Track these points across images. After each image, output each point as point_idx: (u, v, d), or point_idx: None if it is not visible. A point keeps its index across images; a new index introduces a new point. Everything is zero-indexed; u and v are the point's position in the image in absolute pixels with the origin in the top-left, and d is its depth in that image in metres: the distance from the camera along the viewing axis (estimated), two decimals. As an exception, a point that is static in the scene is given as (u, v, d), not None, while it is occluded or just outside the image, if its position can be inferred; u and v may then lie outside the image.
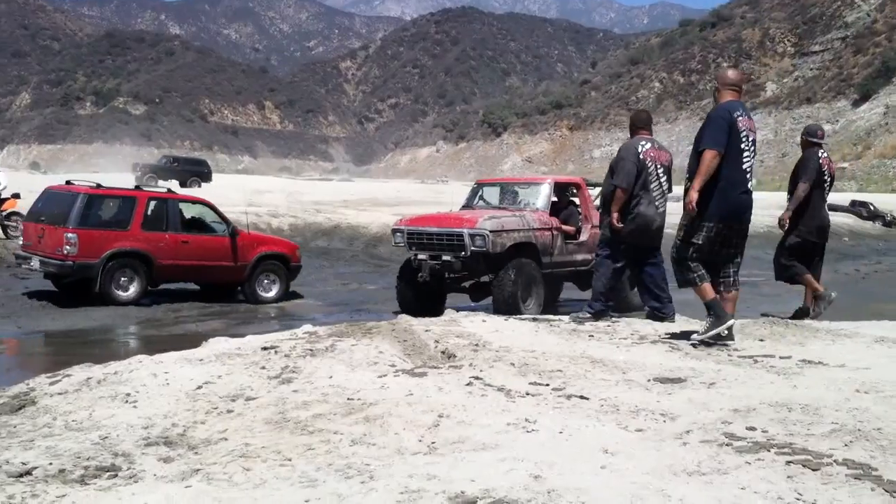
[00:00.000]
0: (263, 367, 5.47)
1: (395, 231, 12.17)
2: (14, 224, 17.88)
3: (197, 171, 41.77)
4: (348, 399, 4.70)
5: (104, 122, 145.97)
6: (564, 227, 11.83)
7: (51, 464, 3.65)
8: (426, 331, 6.82)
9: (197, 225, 13.81)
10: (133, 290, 12.57)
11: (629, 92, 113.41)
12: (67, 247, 12.01)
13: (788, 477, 3.45)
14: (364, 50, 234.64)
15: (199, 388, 4.97)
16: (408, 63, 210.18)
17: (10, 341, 10.42)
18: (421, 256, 11.44)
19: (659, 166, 8.13)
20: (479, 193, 12.93)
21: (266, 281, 13.92)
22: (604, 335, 6.98)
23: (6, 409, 4.78)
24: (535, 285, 11.07)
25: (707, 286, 6.55)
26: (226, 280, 13.87)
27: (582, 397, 4.79)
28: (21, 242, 13.61)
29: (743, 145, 6.49)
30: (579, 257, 12.00)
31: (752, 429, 4.18)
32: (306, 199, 34.36)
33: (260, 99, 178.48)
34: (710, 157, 6.42)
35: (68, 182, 13.74)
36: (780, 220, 8.99)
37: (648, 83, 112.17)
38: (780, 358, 6.14)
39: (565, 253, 11.86)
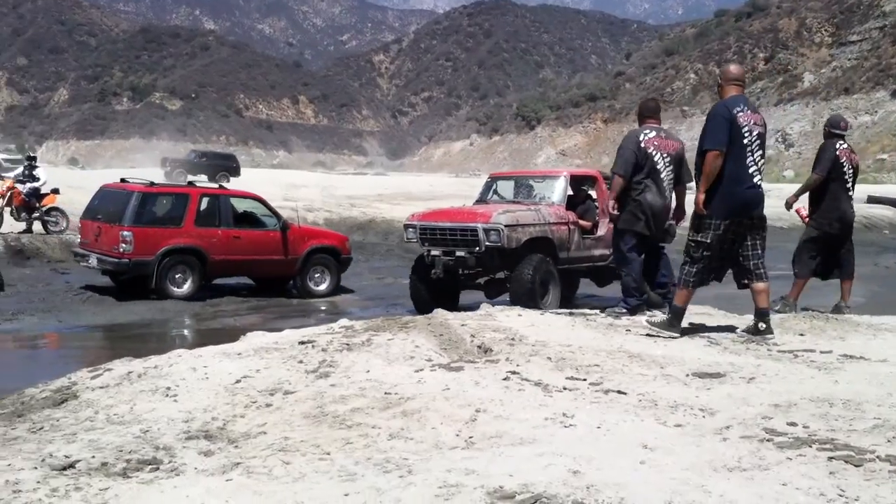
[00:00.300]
0: (301, 362, 5.51)
1: (407, 227, 11.86)
2: (54, 219, 18.12)
3: (225, 166, 41.68)
4: (385, 393, 4.72)
5: (141, 117, 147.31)
6: (581, 222, 11.52)
7: (93, 457, 3.70)
8: (462, 325, 6.82)
9: (248, 220, 13.91)
10: (188, 285, 12.73)
11: (664, 83, 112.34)
12: (123, 245, 12.20)
13: (830, 473, 3.42)
14: (397, 43, 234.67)
15: (238, 382, 5.02)
16: (441, 56, 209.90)
17: (51, 335, 10.58)
18: (434, 252, 11.20)
19: (665, 155, 8.01)
20: (493, 187, 12.60)
21: (317, 274, 13.91)
22: (641, 330, 6.94)
23: (49, 403, 4.85)
24: (552, 281, 10.83)
25: (686, 293, 6.61)
26: (277, 274, 13.97)
27: (620, 392, 4.78)
28: (78, 240, 13.85)
29: (746, 140, 6.43)
30: (597, 252, 11.67)
31: (793, 424, 4.14)
32: (340, 193, 34.48)
33: (294, 93, 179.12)
34: (711, 158, 6.43)
35: (123, 180, 13.98)
36: (787, 200, 9.28)
37: (683, 74, 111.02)
38: (821, 353, 6.08)
39: (582, 248, 11.55)
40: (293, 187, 34.06)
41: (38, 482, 3.35)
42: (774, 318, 7.02)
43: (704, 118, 6.76)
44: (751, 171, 6.47)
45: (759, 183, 6.54)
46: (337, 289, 14.13)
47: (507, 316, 7.58)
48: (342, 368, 5.31)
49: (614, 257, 8.82)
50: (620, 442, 3.86)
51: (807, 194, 9.09)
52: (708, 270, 6.61)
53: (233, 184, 32.91)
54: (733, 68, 6.97)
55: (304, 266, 13.73)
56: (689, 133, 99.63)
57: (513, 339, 6.36)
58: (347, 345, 5.96)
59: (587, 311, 7.82)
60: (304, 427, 4.16)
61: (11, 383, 6.64)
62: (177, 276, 12.64)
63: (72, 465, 3.58)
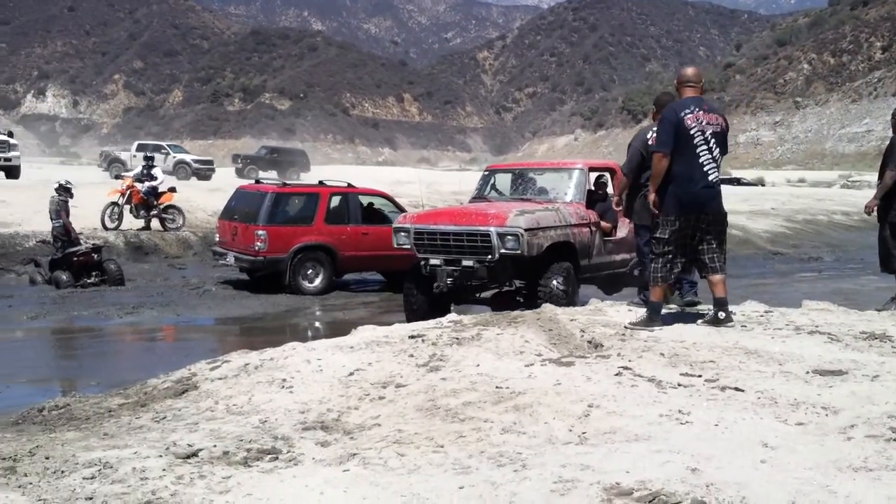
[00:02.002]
0: (412, 355, 5.55)
1: (397, 230, 10.06)
2: (171, 217, 18.72)
3: (296, 162, 43.18)
4: (496, 387, 4.71)
5: (251, 117, 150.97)
6: (602, 223, 10.15)
7: (215, 446, 3.81)
8: (571, 320, 6.76)
9: (376, 216, 14.35)
10: (319, 281, 13.25)
11: (776, 74, 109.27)
12: (258, 243, 12.77)
13: (964, 475, 3.26)
14: (501, 40, 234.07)
15: (351, 374, 5.09)
16: (545, 51, 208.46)
17: (169, 328, 10.95)
18: (434, 262, 9.53)
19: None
20: (492, 182, 11.11)
21: None
22: (756, 325, 6.75)
23: (171, 393, 5.02)
24: (576, 295, 9.46)
25: (659, 290, 6.65)
26: (404, 268, 14.23)
27: (737, 389, 4.66)
28: (217, 239, 14.43)
29: (696, 141, 6.47)
30: (618, 258, 10.33)
31: (922, 424, 3.97)
32: (445, 189, 34.56)
33: (399, 91, 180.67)
34: (656, 160, 6.59)
35: (257, 181, 14.63)
36: (867, 206, 8.77)
37: (796, 65, 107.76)
38: (950, 350, 5.81)
39: (604, 253, 10.16)
40: (398, 184, 34.36)
41: (164, 470, 3.47)
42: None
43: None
44: (705, 169, 6.51)
45: (713, 181, 6.56)
46: None
47: (617, 311, 7.49)
48: (452, 362, 5.33)
49: (638, 252, 8.35)
50: (739, 440, 3.76)
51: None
52: (672, 265, 6.65)
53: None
54: (688, 70, 6.98)
55: None
56: (802, 125, 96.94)
57: (623, 334, 6.28)
58: (457, 339, 5.97)
59: (700, 307, 7.63)
60: (417, 420, 4.19)
61: (134, 374, 6.92)
62: (308, 273, 13.20)
63: (195, 454, 3.69)
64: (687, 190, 6.49)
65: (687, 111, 6.52)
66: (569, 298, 9.07)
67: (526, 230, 9.06)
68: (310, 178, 36.93)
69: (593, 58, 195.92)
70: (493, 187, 10.98)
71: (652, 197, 6.66)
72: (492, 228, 9.16)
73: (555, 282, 9.20)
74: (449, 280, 9.38)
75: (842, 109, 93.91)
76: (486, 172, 11.44)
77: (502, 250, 9.10)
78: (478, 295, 10.09)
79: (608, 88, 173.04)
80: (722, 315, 6.68)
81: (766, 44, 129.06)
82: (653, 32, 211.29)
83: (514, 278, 9.64)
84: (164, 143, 42.05)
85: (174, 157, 38.10)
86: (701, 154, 6.48)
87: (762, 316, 7.26)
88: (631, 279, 10.00)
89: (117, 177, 20.21)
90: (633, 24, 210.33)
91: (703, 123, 6.51)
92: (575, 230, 9.72)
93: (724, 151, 6.65)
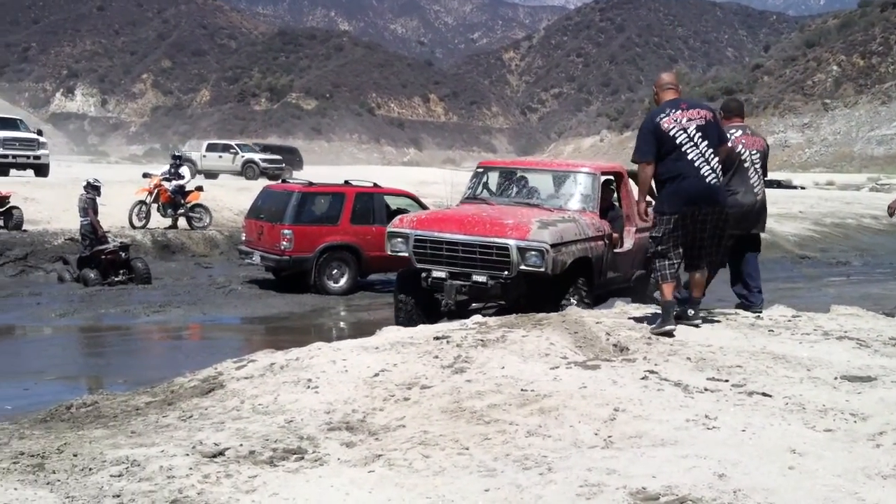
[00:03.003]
0: (436, 357, 5.54)
1: (392, 235, 8.97)
2: (198, 215, 18.82)
3: (288, 160, 40.63)
4: (522, 390, 4.70)
5: (278, 116, 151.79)
6: (613, 235, 9.27)
7: (241, 445, 3.83)
8: (597, 323, 6.73)
9: None
10: (344, 281, 13.30)
11: (804, 76, 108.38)
12: (284, 242, 12.83)
13: None
14: (527, 40, 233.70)
15: (376, 375, 5.09)
16: (572, 52, 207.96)
17: (196, 326, 11.02)
18: (438, 275, 8.44)
19: (754, 151, 7.64)
20: (485, 181, 10.06)
21: None
22: (784, 330, 6.69)
23: (197, 392, 5.04)
24: None
25: (668, 286, 6.59)
26: None
27: (764, 394, 4.62)
28: (243, 238, 14.52)
29: (679, 140, 6.51)
30: (626, 273, 9.62)
31: (953, 432, 3.92)
32: (471, 190, 34.60)
33: (425, 92, 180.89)
34: (640, 169, 6.74)
35: (284, 181, 14.65)
36: (890, 206, 8.57)
37: (825, 66, 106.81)
38: (982, 357, 5.73)
39: (614, 269, 9.33)
40: (423, 184, 34.36)
41: (191, 468, 3.49)
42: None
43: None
44: (695, 165, 6.51)
45: (706, 174, 6.53)
46: None
47: (644, 314, 7.44)
48: (477, 364, 5.32)
49: None
50: (767, 446, 3.73)
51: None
52: (673, 263, 6.65)
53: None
54: (664, 75, 7.09)
55: None
56: (831, 126, 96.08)
57: (650, 338, 6.24)
58: (482, 341, 5.96)
59: (727, 310, 7.57)
60: (442, 421, 4.19)
61: (161, 372, 6.96)
62: (334, 272, 13.26)
63: (221, 453, 3.71)
64: (679, 186, 6.52)
65: (662, 115, 6.60)
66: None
67: (551, 246, 8.08)
68: (302, 175, 36.74)
69: (620, 58, 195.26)
70: (487, 187, 9.98)
71: (643, 206, 6.84)
72: (511, 241, 8.11)
73: (574, 299, 8.38)
74: (458, 292, 8.37)
75: (871, 111, 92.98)
76: (480, 170, 10.30)
77: (522, 266, 8.10)
78: (481, 311, 8.76)
79: (634, 89, 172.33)
80: (692, 312, 6.76)
81: (794, 45, 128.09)
82: (680, 33, 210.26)
83: (523, 296, 8.52)
84: (233, 143, 40.04)
85: (242, 156, 36.63)
86: (688, 152, 6.51)
87: (790, 321, 7.19)
88: (628, 291, 9.71)
89: (145, 175, 20.31)
90: (661, 24, 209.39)
91: (684, 122, 6.53)
92: (592, 244, 8.78)
93: (714, 143, 6.61)
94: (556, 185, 9.76)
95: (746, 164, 7.63)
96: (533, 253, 8.04)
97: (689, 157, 6.51)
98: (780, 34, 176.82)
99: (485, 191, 9.90)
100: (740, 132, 7.72)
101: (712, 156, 6.55)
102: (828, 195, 39.84)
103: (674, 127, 6.52)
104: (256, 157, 36.99)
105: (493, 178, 10.15)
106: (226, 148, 37.67)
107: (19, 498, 3.18)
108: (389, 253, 9.14)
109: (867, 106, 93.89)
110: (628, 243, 9.52)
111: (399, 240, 8.80)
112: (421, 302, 8.89)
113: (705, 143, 6.53)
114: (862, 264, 19.82)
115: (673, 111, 6.60)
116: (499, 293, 8.40)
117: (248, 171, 35.35)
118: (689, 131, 6.52)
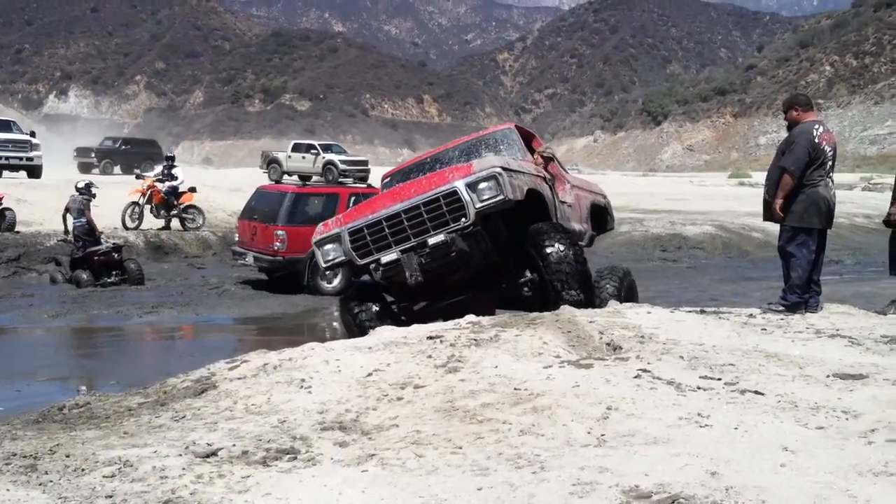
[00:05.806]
0: (430, 356, 5.54)
1: (321, 243, 8.07)
2: (191, 216, 18.82)
3: (148, 153, 38.21)
4: (515, 389, 4.70)
5: (271, 117, 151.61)
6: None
7: (234, 445, 3.82)
8: (590, 322, 6.73)
9: None
10: (337, 281, 13.26)
11: (798, 76, 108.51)
12: (277, 243, 12.86)
13: None
14: (521, 41, 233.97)
15: (370, 375, 5.09)
16: (565, 53, 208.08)
17: (188, 328, 11.00)
18: (387, 258, 7.46)
19: (830, 149, 7.63)
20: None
21: None
22: (777, 329, 6.71)
23: (190, 393, 5.03)
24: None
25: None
26: None
27: (757, 392, 4.62)
28: (236, 238, 14.53)
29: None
30: (578, 229, 9.19)
31: (945, 429, 3.93)
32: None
33: (419, 93, 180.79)
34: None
35: (277, 182, 14.76)
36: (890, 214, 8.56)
37: (819, 67, 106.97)
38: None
39: (567, 220, 8.74)
40: (418, 185, 34.33)
41: (184, 469, 3.48)
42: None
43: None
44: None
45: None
46: None
47: (637, 313, 7.44)
48: (471, 364, 5.32)
49: (782, 254, 7.96)
50: (759, 444, 3.73)
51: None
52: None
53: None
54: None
55: None
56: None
57: (643, 336, 6.24)
58: (475, 340, 5.96)
59: (720, 308, 7.58)
60: (435, 421, 4.19)
61: (154, 373, 6.95)
62: (327, 273, 12.99)
63: (214, 453, 3.70)
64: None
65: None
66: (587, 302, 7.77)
67: (503, 169, 7.28)
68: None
69: (613, 59, 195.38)
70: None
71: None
72: (457, 182, 7.27)
73: (569, 252, 7.60)
74: (420, 265, 7.37)
75: (864, 111, 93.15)
76: (387, 180, 9.57)
77: (478, 205, 7.20)
78: (457, 297, 7.85)
79: (628, 90, 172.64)
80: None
81: (788, 45, 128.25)
82: (674, 34, 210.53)
83: (498, 251, 7.66)
84: (315, 143, 36.84)
85: (323, 157, 33.63)
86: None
87: (782, 319, 7.21)
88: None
89: (138, 177, 20.31)
90: (655, 25, 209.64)
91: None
92: (537, 181, 8.01)
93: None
94: (479, 150, 8.86)
95: (828, 161, 7.61)
96: (485, 183, 7.21)
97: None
98: (773, 35, 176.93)
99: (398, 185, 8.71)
100: (822, 129, 7.68)
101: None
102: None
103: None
104: (337, 158, 33.80)
105: (405, 177, 9.20)
106: (308, 148, 35.34)
107: (11, 499, 3.17)
108: (323, 266, 8.41)
109: (860, 106, 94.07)
110: (569, 196, 9.08)
111: (330, 246, 7.92)
112: (385, 309, 8.10)
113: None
114: (854, 263, 19.85)
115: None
116: (465, 248, 7.32)
117: (327, 173, 32.04)
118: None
